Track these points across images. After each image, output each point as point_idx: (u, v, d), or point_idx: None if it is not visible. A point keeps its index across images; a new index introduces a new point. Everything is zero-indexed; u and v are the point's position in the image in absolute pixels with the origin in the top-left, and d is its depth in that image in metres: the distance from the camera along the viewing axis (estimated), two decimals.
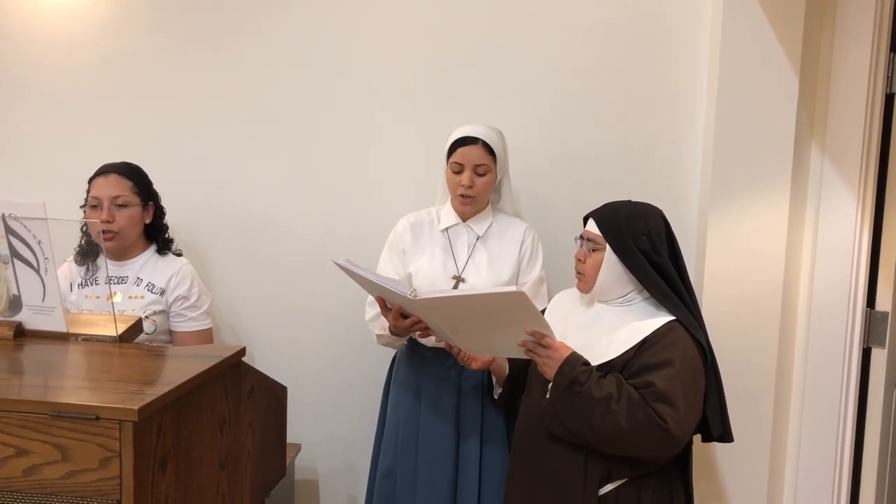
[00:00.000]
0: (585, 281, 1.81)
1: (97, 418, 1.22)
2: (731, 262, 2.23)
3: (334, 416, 2.64)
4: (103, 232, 2.16)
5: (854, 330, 2.23)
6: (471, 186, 2.09)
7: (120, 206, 2.18)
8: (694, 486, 2.27)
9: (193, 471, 1.44)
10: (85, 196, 2.23)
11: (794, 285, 2.28)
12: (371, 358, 2.52)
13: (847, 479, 2.29)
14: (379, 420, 2.29)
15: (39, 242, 1.58)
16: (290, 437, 2.52)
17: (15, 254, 1.59)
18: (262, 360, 2.63)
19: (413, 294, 1.71)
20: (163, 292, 2.21)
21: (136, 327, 1.69)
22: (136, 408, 1.21)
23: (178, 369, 1.45)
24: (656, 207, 1.84)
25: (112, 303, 1.77)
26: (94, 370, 1.49)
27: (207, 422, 1.49)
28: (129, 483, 1.23)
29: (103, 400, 1.25)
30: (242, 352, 1.62)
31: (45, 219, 1.55)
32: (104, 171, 2.22)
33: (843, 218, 2.21)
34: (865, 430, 2.30)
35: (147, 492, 1.27)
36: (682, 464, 1.80)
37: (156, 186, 2.32)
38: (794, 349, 2.31)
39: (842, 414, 2.26)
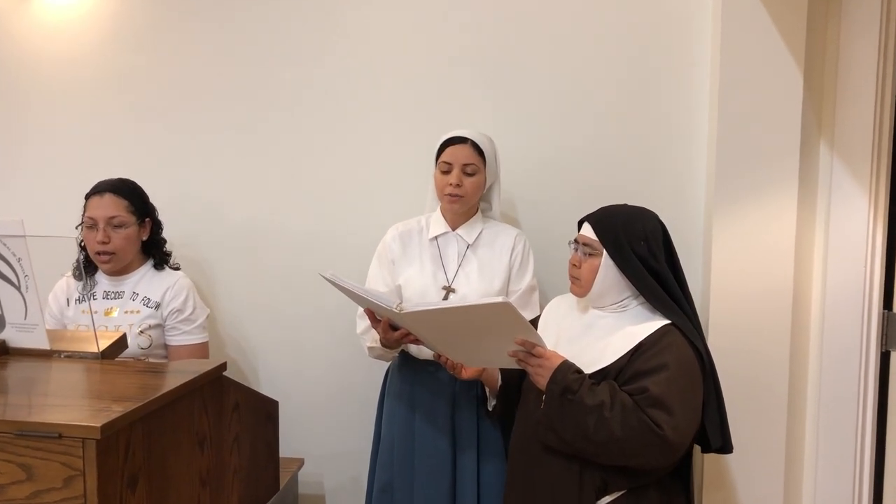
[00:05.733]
0: (581, 286, 1.76)
1: (60, 436, 1.20)
2: (737, 266, 2.16)
3: (339, 430, 2.60)
4: (100, 253, 2.16)
5: (870, 333, 2.15)
6: (459, 185, 2.04)
7: (116, 226, 2.17)
8: (704, 498, 2.20)
9: (171, 488, 1.42)
10: (81, 214, 2.22)
11: (806, 288, 2.20)
12: (376, 371, 2.49)
13: (868, 490, 2.20)
14: (374, 434, 2.25)
15: (19, 260, 1.57)
16: (294, 452, 2.51)
17: None
18: (267, 374, 2.62)
19: (399, 308, 1.68)
20: (158, 306, 2.19)
21: (121, 343, 1.68)
22: (98, 425, 1.19)
23: (153, 385, 1.43)
24: (652, 212, 1.78)
25: (92, 317, 1.76)
26: (69, 387, 1.48)
27: (185, 438, 1.47)
28: (94, 502, 1.20)
29: (69, 418, 1.23)
30: (223, 367, 1.59)
31: (24, 236, 1.54)
32: (99, 189, 2.20)
33: (854, 216, 2.13)
34: (886, 437, 2.21)
35: None
36: (682, 474, 1.73)
37: (156, 202, 2.32)
38: (807, 355, 2.23)
39: (860, 421, 2.18)
